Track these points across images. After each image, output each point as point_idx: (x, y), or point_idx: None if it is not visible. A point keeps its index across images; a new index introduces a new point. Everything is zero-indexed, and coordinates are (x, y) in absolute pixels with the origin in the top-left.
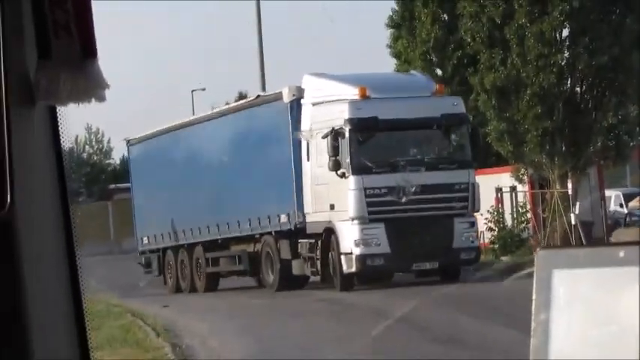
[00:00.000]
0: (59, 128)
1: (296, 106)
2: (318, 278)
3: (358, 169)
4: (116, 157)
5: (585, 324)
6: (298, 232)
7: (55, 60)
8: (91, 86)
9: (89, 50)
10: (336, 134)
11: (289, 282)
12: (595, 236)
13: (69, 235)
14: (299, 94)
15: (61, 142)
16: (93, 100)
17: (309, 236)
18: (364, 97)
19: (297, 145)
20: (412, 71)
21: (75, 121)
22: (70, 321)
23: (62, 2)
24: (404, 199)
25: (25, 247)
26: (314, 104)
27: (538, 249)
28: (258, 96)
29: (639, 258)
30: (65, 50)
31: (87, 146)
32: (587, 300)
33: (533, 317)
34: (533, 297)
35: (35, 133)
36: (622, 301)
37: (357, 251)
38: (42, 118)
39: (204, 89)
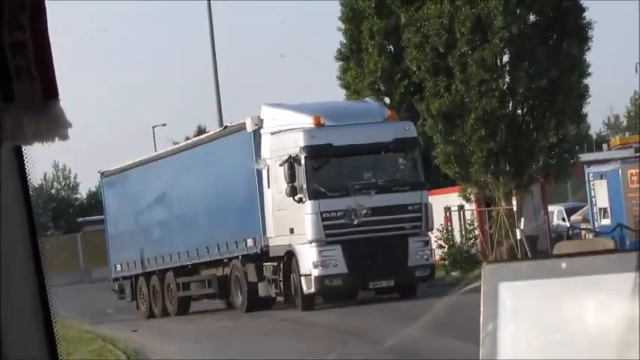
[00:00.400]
0: (25, 166)
1: (258, 135)
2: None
3: (314, 194)
4: (83, 192)
5: (531, 333)
6: (263, 255)
7: (18, 102)
8: (53, 126)
9: (50, 92)
10: (292, 161)
11: (257, 303)
12: (540, 249)
13: (38, 267)
14: (260, 123)
15: (28, 179)
16: (56, 139)
17: (273, 259)
18: (319, 125)
19: (260, 172)
20: (366, 99)
21: (43, 157)
22: (43, 350)
23: (23, 47)
24: (359, 221)
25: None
26: (272, 133)
27: (484, 264)
28: (226, 126)
29: (580, 269)
30: (27, 93)
31: (55, 182)
32: (532, 310)
33: (481, 328)
34: (481, 309)
35: (2, 172)
36: (565, 310)
37: (315, 272)
38: (8, 158)
39: (164, 124)
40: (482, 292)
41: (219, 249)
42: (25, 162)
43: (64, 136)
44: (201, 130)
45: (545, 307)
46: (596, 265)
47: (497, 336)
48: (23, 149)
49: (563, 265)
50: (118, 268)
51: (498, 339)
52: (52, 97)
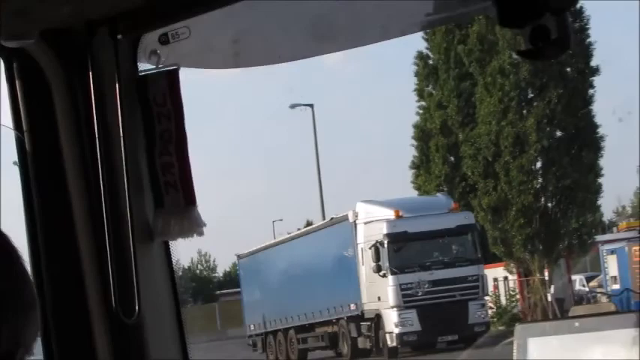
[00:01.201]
0: (171, 255)
1: (355, 225)
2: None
3: (394, 271)
4: (219, 271)
5: None
6: (360, 316)
7: (166, 208)
8: (193, 226)
9: (190, 200)
10: (377, 245)
11: (357, 353)
12: (566, 308)
13: (181, 334)
14: (356, 216)
15: (173, 264)
16: (195, 235)
17: (367, 319)
18: (398, 217)
19: (357, 253)
20: (437, 194)
21: (190, 245)
22: None
23: (170, 167)
24: (430, 289)
25: (151, 347)
26: (365, 223)
27: (517, 324)
28: (332, 218)
29: (590, 326)
30: (173, 202)
31: (199, 264)
32: (553, 358)
33: None
34: (514, 358)
35: (154, 260)
36: (579, 357)
37: (396, 330)
38: (158, 249)
39: (281, 219)
40: (514, 345)
41: (329, 311)
42: (172, 253)
43: (200, 233)
44: (309, 223)
45: (564, 356)
46: (602, 323)
47: None
48: (170, 243)
49: (577, 324)
50: (252, 327)
51: None
52: (191, 204)
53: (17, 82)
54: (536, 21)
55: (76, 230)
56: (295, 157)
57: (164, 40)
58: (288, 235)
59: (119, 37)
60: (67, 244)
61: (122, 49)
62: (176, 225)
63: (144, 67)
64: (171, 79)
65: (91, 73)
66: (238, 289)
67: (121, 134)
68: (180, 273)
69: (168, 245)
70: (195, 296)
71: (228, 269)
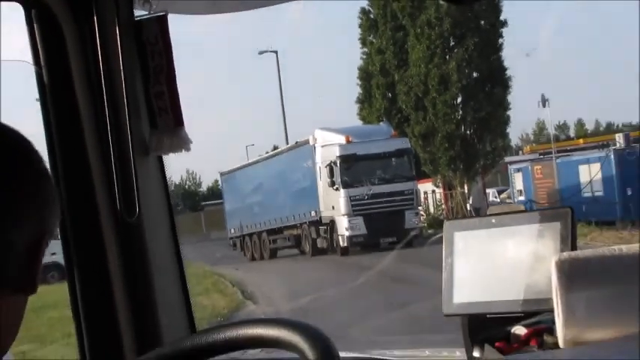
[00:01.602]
0: (165, 168)
1: (314, 147)
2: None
3: (345, 185)
4: (204, 187)
5: (474, 263)
6: (318, 221)
7: (159, 129)
8: (181, 143)
9: (179, 122)
10: (332, 165)
11: (317, 251)
12: (482, 214)
13: (174, 232)
14: (315, 140)
15: (166, 175)
16: (183, 150)
17: (324, 224)
18: (348, 141)
19: (316, 170)
20: (381, 123)
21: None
22: (180, 289)
23: (162, 95)
24: (373, 201)
25: (148, 242)
26: (322, 146)
27: (445, 221)
28: (296, 142)
29: (503, 222)
30: (165, 123)
31: (187, 181)
32: (474, 249)
33: (443, 261)
34: (443, 249)
35: (150, 171)
36: (494, 248)
37: (346, 233)
38: (154, 162)
39: (253, 145)
40: (443, 238)
41: (294, 218)
42: (165, 166)
43: (188, 149)
44: (275, 147)
45: (482, 247)
46: (513, 219)
47: (453, 266)
48: (163, 157)
49: (493, 220)
50: (232, 231)
51: (454, 267)
52: (180, 125)
53: (35, 26)
54: None
55: (87, 147)
56: (263, 92)
57: None
58: (259, 157)
59: None
60: (79, 158)
61: None
62: (167, 142)
63: (138, 13)
64: (161, 23)
65: (95, 18)
66: (220, 201)
67: (121, 68)
68: (173, 188)
69: (162, 159)
70: (184, 206)
71: (210, 185)
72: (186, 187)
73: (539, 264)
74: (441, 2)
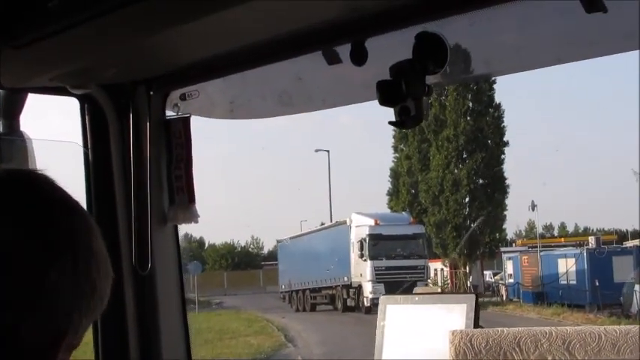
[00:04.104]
0: (178, 234)
1: (350, 227)
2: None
3: (371, 257)
4: (265, 250)
5: (400, 330)
6: (349, 285)
7: (177, 204)
8: (192, 217)
9: (191, 199)
10: (362, 241)
11: (347, 309)
12: (479, 291)
13: (181, 284)
14: (351, 222)
15: (179, 240)
16: (192, 222)
17: (353, 288)
18: (376, 224)
19: (350, 245)
20: (403, 212)
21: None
22: (182, 329)
23: (180, 178)
24: (394, 272)
25: (158, 291)
26: (356, 226)
27: (381, 295)
28: (337, 222)
29: (424, 300)
30: (181, 200)
31: (251, 245)
32: (400, 319)
33: (377, 326)
34: (378, 316)
35: (166, 236)
36: (415, 320)
37: (370, 296)
38: (170, 229)
39: (306, 220)
40: (378, 309)
41: (330, 281)
42: (179, 235)
43: (196, 222)
44: (322, 223)
45: (407, 318)
46: (431, 299)
47: (384, 330)
48: (178, 227)
49: (416, 298)
50: (283, 287)
51: (384, 332)
52: (192, 202)
53: (86, 117)
54: (402, 103)
55: (117, 213)
56: (316, 180)
57: (183, 98)
58: (309, 230)
59: (152, 93)
60: (110, 221)
61: (154, 101)
62: (181, 215)
63: (169, 113)
64: (185, 122)
65: (132, 115)
66: (276, 262)
67: (148, 154)
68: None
69: (177, 227)
70: (248, 265)
71: (270, 249)
72: (250, 249)
73: (447, 336)
74: (391, 126)
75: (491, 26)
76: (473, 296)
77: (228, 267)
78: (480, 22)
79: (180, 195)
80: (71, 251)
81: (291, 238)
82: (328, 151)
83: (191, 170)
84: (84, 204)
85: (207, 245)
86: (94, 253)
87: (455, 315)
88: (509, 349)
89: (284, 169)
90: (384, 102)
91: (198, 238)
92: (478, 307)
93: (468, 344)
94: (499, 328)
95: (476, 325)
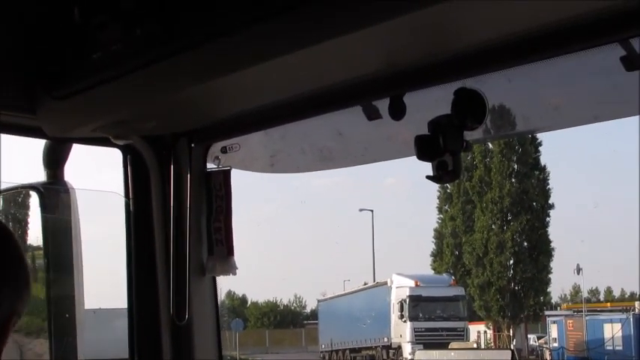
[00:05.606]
0: (216, 285)
1: (390, 288)
2: None
3: (411, 318)
4: (308, 309)
5: None
6: (389, 346)
7: (217, 255)
8: (230, 268)
9: (230, 252)
10: (402, 302)
11: None
12: (523, 355)
13: (218, 335)
14: (392, 282)
15: (217, 291)
16: (230, 274)
17: (393, 348)
18: (417, 285)
19: (390, 306)
20: (444, 274)
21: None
22: None
23: (219, 230)
24: (434, 333)
25: (195, 341)
26: (397, 287)
27: (417, 350)
28: (377, 283)
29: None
30: (220, 252)
31: (294, 303)
32: None
33: None
34: None
35: (204, 287)
36: None
37: (409, 357)
38: (208, 280)
39: (349, 280)
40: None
41: (371, 341)
42: (222, 291)
43: (234, 274)
44: (365, 283)
45: None
46: (467, 354)
47: None
48: (216, 279)
49: (452, 353)
50: (323, 346)
51: None
52: (231, 254)
53: (129, 168)
54: (440, 157)
55: (157, 263)
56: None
57: (224, 151)
58: (351, 290)
59: (193, 145)
60: (149, 271)
61: (195, 153)
62: (220, 266)
63: (209, 166)
64: (225, 175)
65: (173, 166)
66: (317, 321)
67: (188, 207)
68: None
69: (215, 279)
70: (290, 323)
71: (313, 307)
72: (292, 307)
73: None
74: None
75: (529, 83)
76: (508, 352)
77: (270, 325)
78: (519, 78)
79: (220, 247)
80: None
81: (331, 297)
82: (372, 211)
83: (230, 223)
84: (124, 253)
85: (249, 303)
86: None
87: None
88: None
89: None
90: (421, 156)
91: (240, 295)
92: None
93: None
94: None
95: None
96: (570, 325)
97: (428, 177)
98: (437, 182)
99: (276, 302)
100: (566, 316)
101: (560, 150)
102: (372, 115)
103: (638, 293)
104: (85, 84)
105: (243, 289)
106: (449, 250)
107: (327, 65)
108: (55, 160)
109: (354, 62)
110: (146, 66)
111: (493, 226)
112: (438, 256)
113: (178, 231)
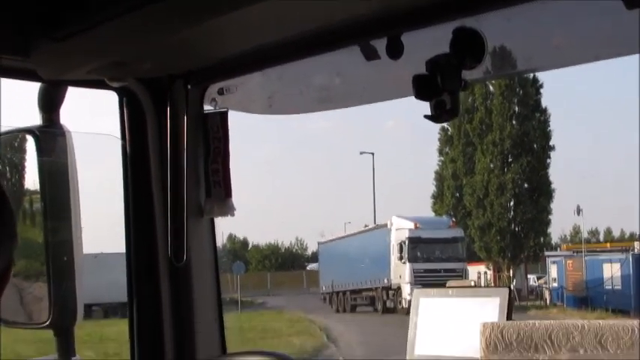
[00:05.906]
0: (215, 227)
1: (390, 230)
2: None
3: (410, 260)
4: (309, 251)
5: (433, 325)
6: (389, 287)
7: (213, 197)
8: (228, 210)
9: (228, 193)
10: (401, 244)
11: (386, 310)
12: (523, 295)
13: (216, 276)
14: (391, 224)
15: (215, 233)
16: (228, 215)
17: (392, 289)
18: (416, 227)
19: (390, 247)
20: (444, 215)
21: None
22: (216, 319)
23: (217, 172)
24: (432, 274)
25: (194, 282)
26: (396, 229)
27: (414, 289)
28: (377, 225)
29: (457, 294)
30: (217, 194)
31: (295, 246)
32: (434, 313)
33: (410, 319)
34: (411, 311)
35: (202, 229)
36: (448, 314)
37: (409, 297)
38: (206, 222)
39: (350, 222)
40: (411, 303)
41: (370, 282)
42: (215, 224)
43: (232, 215)
44: (365, 225)
45: (440, 312)
46: (465, 292)
47: (417, 325)
48: (214, 220)
49: (450, 291)
50: (324, 288)
51: (417, 326)
52: (228, 196)
53: (125, 110)
54: (438, 97)
55: (154, 206)
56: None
57: (221, 92)
58: (351, 232)
59: (189, 87)
60: (146, 213)
61: (192, 95)
62: (217, 208)
63: (206, 108)
64: (223, 117)
65: (170, 108)
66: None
67: (185, 148)
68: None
69: (213, 220)
70: (291, 266)
71: (314, 250)
72: (294, 250)
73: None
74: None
75: (528, 22)
76: (506, 289)
77: (271, 268)
78: (518, 17)
79: (217, 189)
80: None
81: (332, 240)
82: (373, 154)
83: (228, 164)
84: (121, 196)
85: (250, 246)
86: None
87: (488, 308)
88: (541, 341)
89: (329, 172)
90: (419, 96)
91: (242, 238)
92: (512, 301)
93: (499, 336)
94: (530, 321)
95: (509, 318)
96: (570, 265)
97: (426, 116)
98: (435, 121)
99: (277, 245)
100: (565, 256)
101: (561, 92)
102: (371, 55)
103: (637, 233)
104: (80, 25)
105: (244, 232)
106: (449, 192)
107: (325, 4)
108: (50, 103)
109: (352, 1)
110: (142, 6)
111: (494, 168)
112: (438, 198)
113: (175, 173)
